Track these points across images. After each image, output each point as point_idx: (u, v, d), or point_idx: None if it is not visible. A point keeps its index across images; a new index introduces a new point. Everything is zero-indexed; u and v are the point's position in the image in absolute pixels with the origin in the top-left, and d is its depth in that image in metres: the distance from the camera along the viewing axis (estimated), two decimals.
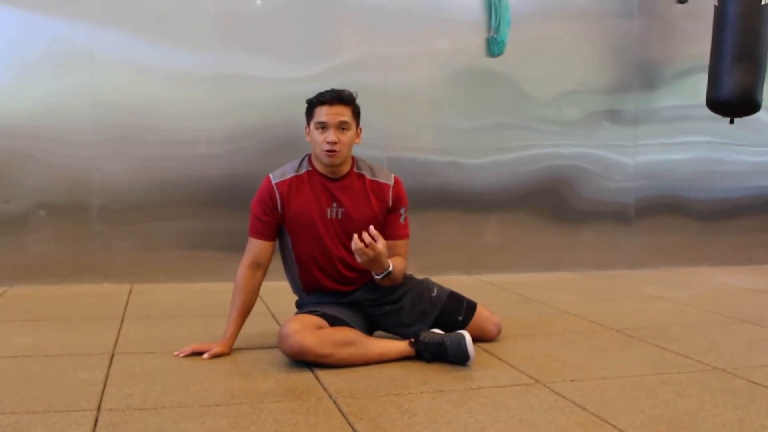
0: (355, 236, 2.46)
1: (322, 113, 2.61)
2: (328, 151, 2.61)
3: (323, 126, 2.62)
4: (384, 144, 4.68)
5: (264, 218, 2.71)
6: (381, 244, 2.49)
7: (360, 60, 4.65)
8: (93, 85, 4.25)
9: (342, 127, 2.62)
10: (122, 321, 3.31)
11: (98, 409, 2.06)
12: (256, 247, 2.73)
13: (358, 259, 2.50)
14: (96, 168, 4.28)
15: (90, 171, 4.27)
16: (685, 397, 2.23)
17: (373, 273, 2.60)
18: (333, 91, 2.64)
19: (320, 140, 2.62)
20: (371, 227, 2.50)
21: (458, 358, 2.54)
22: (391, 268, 2.58)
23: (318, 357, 2.47)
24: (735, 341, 3.03)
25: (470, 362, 2.55)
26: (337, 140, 2.60)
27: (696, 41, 5.13)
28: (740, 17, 4.44)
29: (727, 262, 5.41)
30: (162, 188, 4.37)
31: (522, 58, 4.94)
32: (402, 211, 2.79)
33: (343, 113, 2.62)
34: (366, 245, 2.45)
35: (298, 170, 2.73)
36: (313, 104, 2.66)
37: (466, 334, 2.57)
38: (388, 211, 2.76)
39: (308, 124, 2.70)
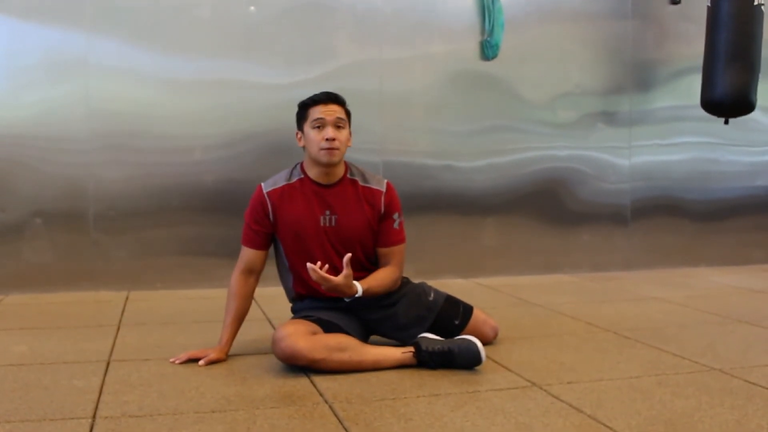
0: (309, 264, 2.43)
1: (318, 111, 2.61)
2: (328, 149, 2.59)
3: (320, 124, 2.60)
4: (379, 148, 4.68)
5: (255, 227, 2.70)
6: (343, 275, 2.46)
7: (355, 64, 4.65)
8: (88, 92, 4.24)
9: (338, 124, 2.62)
10: (118, 328, 3.31)
11: (94, 416, 2.06)
12: (248, 255, 2.73)
13: (323, 287, 2.48)
14: (92, 175, 4.27)
15: (86, 178, 4.26)
16: (682, 398, 2.23)
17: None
18: (325, 92, 2.66)
19: (318, 139, 2.60)
20: (346, 256, 2.47)
21: (469, 362, 2.52)
22: (359, 294, 2.54)
23: (310, 362, 2.46)
24: (732, 342, 3.03)
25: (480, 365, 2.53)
26: (335, 137, 2.59)
27: (690, 42, 5.14)
28: (733, 17, 4.45)
29: (723, 263, 5.42)
30: (158, 195, 4.37)
31: (516, 61, 4.95)
32: (395, 216, 2.77)
33: (339, 111, 2.64)
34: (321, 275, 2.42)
35: (289, 178, 2.71)
36: (306, 105, 2.66)
37: (475, 339, 2.55)
38: (380, 218, 2.74)
39: (301, 127, 2.69)
